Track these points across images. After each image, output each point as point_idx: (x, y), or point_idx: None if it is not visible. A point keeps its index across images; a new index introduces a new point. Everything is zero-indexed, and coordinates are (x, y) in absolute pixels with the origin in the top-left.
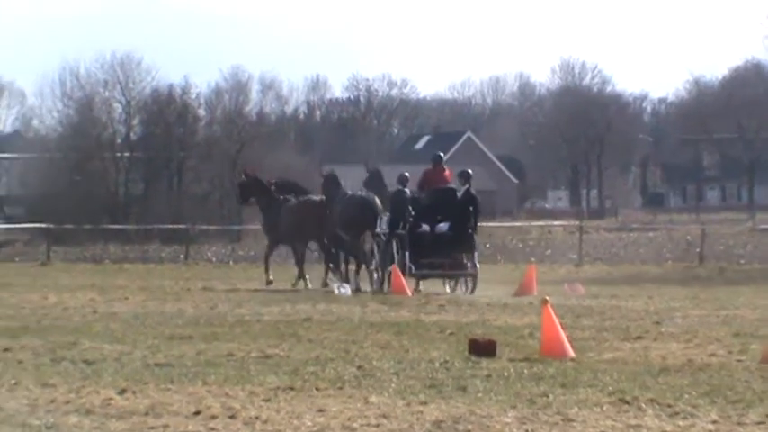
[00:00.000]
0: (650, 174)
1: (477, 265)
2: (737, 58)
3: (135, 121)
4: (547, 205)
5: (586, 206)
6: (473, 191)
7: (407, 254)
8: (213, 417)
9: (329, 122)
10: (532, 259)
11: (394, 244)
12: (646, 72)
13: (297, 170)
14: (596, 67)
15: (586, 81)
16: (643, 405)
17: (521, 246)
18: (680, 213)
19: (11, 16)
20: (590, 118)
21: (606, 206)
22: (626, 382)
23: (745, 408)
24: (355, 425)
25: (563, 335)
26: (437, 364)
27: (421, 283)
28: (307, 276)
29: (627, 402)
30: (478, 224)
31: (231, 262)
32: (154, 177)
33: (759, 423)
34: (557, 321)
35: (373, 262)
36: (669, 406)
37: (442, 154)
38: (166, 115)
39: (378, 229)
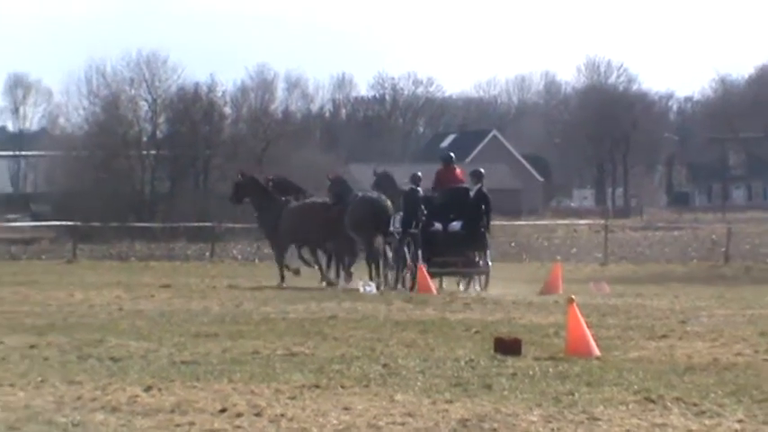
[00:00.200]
0: (676, 172)
1: (490, 263)
2: (764, 56)
3: (161, 119)
4: (572, 204)
5: (612, 205)
6: (485, 190)
7: (420, 252)
8: (239, 414)
9: (355, 121)
10: (558, 258)
11: (407, 243)
12: (672, 71)
13: (322, 168)
14: (622, 65)
15: (612, 80)
16: (669, 404)
17: (546, 244)
18: (705, 212)
19: (37, 15)
20: (616, 117)
21: (632, 205)
22: (651, 380)
23: None
24: (381, 423)
25: (588, 333)
26: (462, 363)
27: (434, 281)
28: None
29: (652, 401)
30: (491, 223)
31: (257, 260)
32: (180, 175)
33: None
34: (582, 320)
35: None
36: (695, 405)
37: (452, 153)
38: (192, 113)
39: (391, 228)
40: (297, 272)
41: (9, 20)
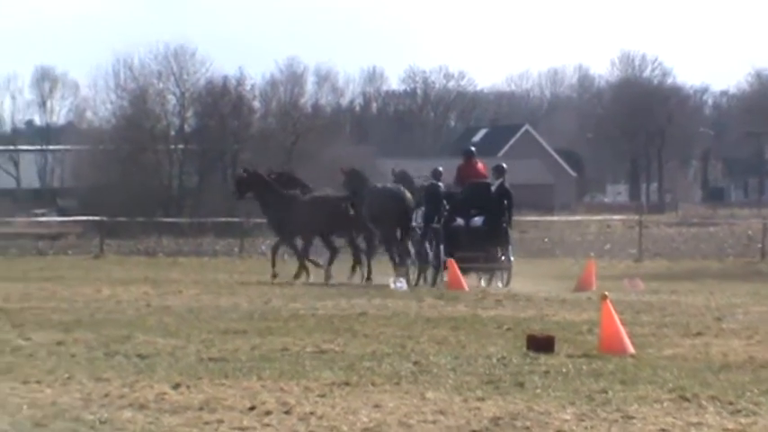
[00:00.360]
0: (711, 167)
1: (512, 259)
2: None
3: (189, 113)
4: (606, 199)
5: (646, 200)
6: (507, 185)
7: (442, 248)
8: (268, 412)
9: (385, 115)
10: (591, 254)
11: (429, 238)
12: (707, 64)
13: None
14: (657, 59)
15: (646, 73)
16: (704, 402)
17: (579, 240)
18: (741, 208)
19: (64, 7)
20: (650, 111)
21: (666, 200)
22: (686, 378)
23: None
24: (412, 421)
25: (622, 331)
26: (494, 360)
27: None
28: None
29: (687, 399)
30: (512, 218)
31: (286, 256)
32: (208, 170)
33: None
34: (616, 317)
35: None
36: (730, 403)
37: (473, 148)
38: (221, 107)
39: (413, 224)
40: (274, 275)
41: (36, 13)
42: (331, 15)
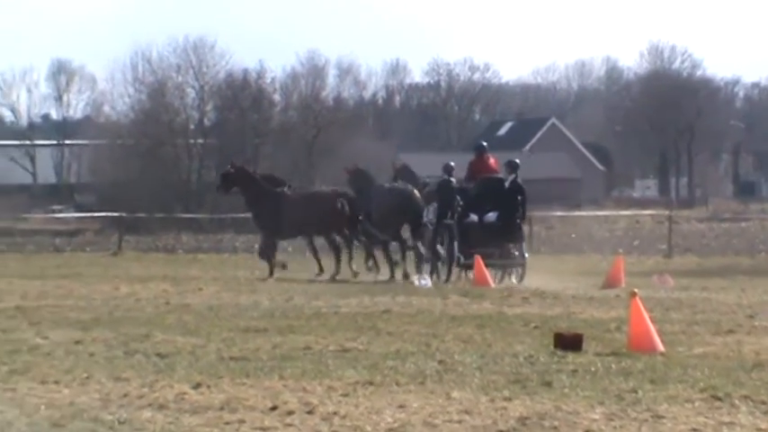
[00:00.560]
0: (742, 161)
1: (526, 255)
2: None
3: (208, 107)
4: (634, 194)
5: (675, 195)
6: (520, 180)
7: (456, 244)
8: (290, 412)
9: (408, 108)
10: (620, 250)
11: (441, 235)
12: (738, 56)
13: (374, 157)
14: (686, 50)
15: (676, 65)
16: (736, 401)
17: (607, 236)
18: None
19: None
20: (679, 103)
21: (696, 195)
22: (718, 377)
23: None
24: (437, 421)
25: (652, 329)
26: (521, 359)
27: (471, 273)
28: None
29: (719, 399)
30: (526, 214)
31: (307, 253)
32: (228, 165)
33: None
34: (645, 315)
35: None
36: (763, 403)
37: (485, 143)
38: (241, 100)
39: (424, 220)
40: (284, 266)
41: (51, 4)
42: (353, 6)
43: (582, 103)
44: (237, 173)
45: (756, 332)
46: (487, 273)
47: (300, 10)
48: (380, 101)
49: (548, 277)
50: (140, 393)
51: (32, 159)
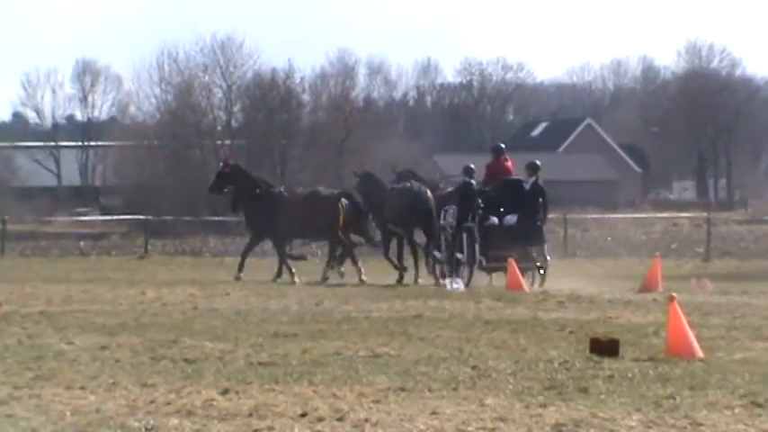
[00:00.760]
0: None
1: (548, 258)
2: None
3: (236, 107)
4: (672, 196)
5: (714, 197)
6: (541, 183)
7: (477, 247)
8: (320, 419)
9: (440, 108)
10: (657, 253)
11: (463, 237)
12: None
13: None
14: (725, 49)
15: (714, 64)
16: None
17: (644, 239)
18: None
19: None
20: (718, 103)
21: (735, 197)
22: (758, 383)
23: None
24: (470, 428)
25: (690, 334)
26: (556, 365)
27: (493, 276)
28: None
29: (759, 405)
30: (548, 216)
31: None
32: (256, 166)
33: None
34: (684, 319)
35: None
36: None
37: (503, 144)
38: (269, 101)
39: (442, 222)
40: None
41: (76, 3)
42: (383, 5)
43: (618, 104)
44: (233, 171)
45: None
46: (522, 277)
47: (330, 8)
48: (411, 101)
49: (583, 281)
50: (167, 400)
51: (57, 161)
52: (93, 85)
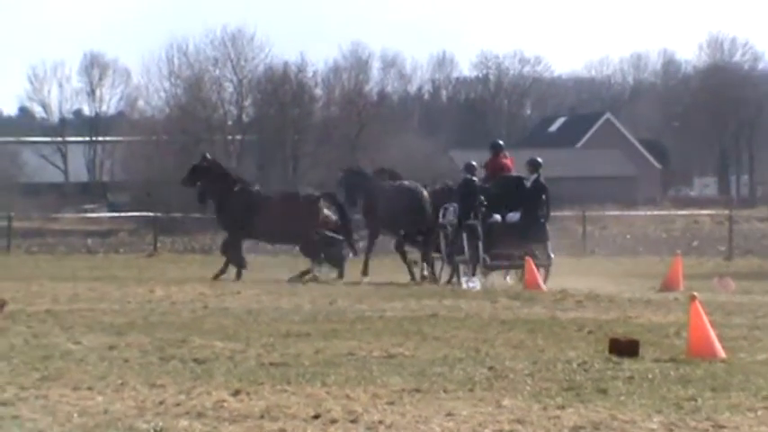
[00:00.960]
0: None
1: (552, 256)
2: None
3: (247, 102)
4: (692, 193)
5: (736, 194)
6: (543, 180)
7: (481, 244)
8: (333, 421)
9: (456, 103)
10: (678, 251)
11: (464, 235)
12: None
13: (420, 154)
14: (747, 42)
15: (736, 58)
16: None
17: (665, 236)
18: None
19: None
20: (740, 98)
21: (758, 194)
22: None
23: None
24: (487, 430)
25: (712, 334)
26: (575, 365)
27: (494, 274)
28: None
29: None
30: (550, 213)
31: (351, 255)
32: (267, 162)
33: None
34: (705, 319)
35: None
36: None
37: (501, 141)
38: (281, 95)
39: (441, 220)
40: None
41: None
42: None
43: (637, 98)
44: (210, 166)
45: None
46: (539, 276)
47: (343, 0)
48: (426, 95)
49: (602, 279)
50: (177, 401)
51: (64, 157)
52: (100, 79)
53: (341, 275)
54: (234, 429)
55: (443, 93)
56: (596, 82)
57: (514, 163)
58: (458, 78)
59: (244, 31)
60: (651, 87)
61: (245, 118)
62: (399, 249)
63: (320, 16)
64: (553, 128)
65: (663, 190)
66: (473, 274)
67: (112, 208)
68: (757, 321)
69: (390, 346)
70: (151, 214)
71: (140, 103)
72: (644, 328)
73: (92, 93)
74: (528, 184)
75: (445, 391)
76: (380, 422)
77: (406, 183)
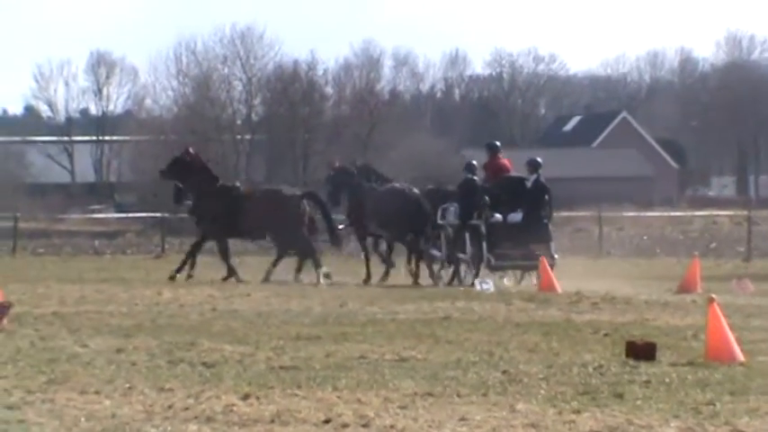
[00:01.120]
0: None
1: (556, 256)
2: None
3: (256, 101)
4: (710, 193)
5: (755, 194)
6: (543, 180)
7: (484, 245)
8: (344, 425)
9: (469, 101)
10: (695, 253)
11: (467, 235)
12: None
13: (432, 154)
14: (766, 40)
15: (755, 56)
16: None
17: (682, 238)
18: None
19: None
20: (759, 96)
21: None
22: None
23: None
24: None
25: (731, 337)
26: (591, 369)
27: (492, 275)
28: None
29: None
30: (552, 214)
31: (362, 255)
32: (277, 161)
33: None
34: (724, 322)
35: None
36: None
37: (497, 142)
38: (291, 94)
39: (440, 221)
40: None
41: None
42: None
43: (654, 97)
44: (192, 160)
45: None
46: (554, 277)
47: None
48: (439, 94)
49: (618, 281)
50: (186, 405)
51: (70, 156)
52: (107, 78)
53: (317, 265)
54: None
55: (456, 91)
56: (612, 80)
57: (512, 163)
58: (471, 77)
59: (253, 28)
60: (668, 86)
61: (254, 117)
62: (415, 251)
63: (331, 14)
64: (568, 127)
65: (680, 190)
66: (476, 275)
67: (120, 208)
68: None
69: (402, 350)
70: (159, 215)
71: (148, 102)
72: (661, 331)
73: (99, 92)
74: (528, 184)
75: (458, 396)
76: (392, 427)
77: (397, 185)
